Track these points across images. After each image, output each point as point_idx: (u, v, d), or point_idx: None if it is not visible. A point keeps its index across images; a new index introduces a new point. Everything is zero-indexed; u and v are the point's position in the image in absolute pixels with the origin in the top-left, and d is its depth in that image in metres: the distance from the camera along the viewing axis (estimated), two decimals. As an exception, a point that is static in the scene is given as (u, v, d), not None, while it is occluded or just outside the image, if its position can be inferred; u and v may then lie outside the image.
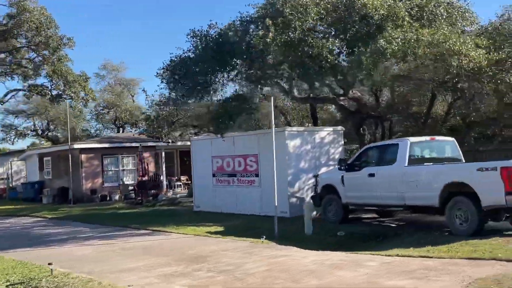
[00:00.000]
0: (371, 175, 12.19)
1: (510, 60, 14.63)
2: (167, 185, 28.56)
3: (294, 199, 15.11)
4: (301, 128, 16.25)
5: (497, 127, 18.44)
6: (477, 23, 14.85)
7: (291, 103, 23.41)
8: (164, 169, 28.11)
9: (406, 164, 11.44)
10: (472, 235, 9.78)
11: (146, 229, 13.54)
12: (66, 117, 35.20)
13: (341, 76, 15.04)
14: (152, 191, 23.02)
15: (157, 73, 15.71)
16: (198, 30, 15.47)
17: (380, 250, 9.50)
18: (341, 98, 18.01)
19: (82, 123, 38.16)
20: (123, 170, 26.85)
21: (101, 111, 38.62)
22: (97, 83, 40.59)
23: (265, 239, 11.16)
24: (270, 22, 13.42)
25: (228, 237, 11.45)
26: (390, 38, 12.54)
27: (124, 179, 26.75)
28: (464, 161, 12.14)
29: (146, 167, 23.25)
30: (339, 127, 16.58)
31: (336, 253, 8.91)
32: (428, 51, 12.96)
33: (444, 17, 13.80)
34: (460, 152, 12.21)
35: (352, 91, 18.24)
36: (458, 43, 12.56)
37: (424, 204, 10.96)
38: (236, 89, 16.07)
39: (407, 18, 13.37)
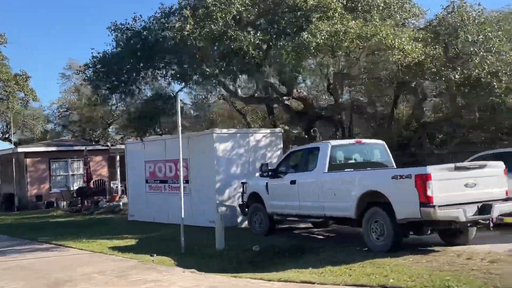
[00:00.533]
0: (293, 182, 10.98)
1: (464, 55, 13.49)
2: (122, 190, 27.15)
3: (223, 208, 13.86)
4: (233, 130, 14.98)
5: (452, 128, 17.24)
6: (420, 16, 13.67)
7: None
8: (119, 173, 26.74)
9: (326, 170, 10.22)
10: (389, 251, 8.63)
11: (51, 243, 12.23)
12: (25, 119, 33.90)
13: (276, 73, 13.88)
14: (96, 197, 21.74)
15: (78, 70, 14.45)
16: (121, 23, 14.23)
17: (288, 268, 8.34)
18: (285, 98, 16.84)
19: (44, 125, 36.59)
20: (73, 175, 25.44)
21: (64, 112, 37.11)
22: (63, 83, 39.01)
23: (166, 255, 10.01)
24: (188, 13, 12.20)
25: (125, 254, 10.22)
26: (316, 30, 11.33)
27: (75, 184, 25.33)
28: (395, 165, 10.94)
29: (90, 171, 21.92)
30: (278, 129, 15.33)
31: (216, 277, 7.65)
32: (361, 45, 11.80)
33: (381, 8, 12.62)
34: (390, 157, 10.99)
35: (297, 90, 17.08)
36: (391, 36, 11.38)
37: (342, 215, 9.75)
38: (158, 88, 14.76)
39: (339, 9, 12.19)
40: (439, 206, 7.92)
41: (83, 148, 24.39)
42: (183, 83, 13.95)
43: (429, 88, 17.31)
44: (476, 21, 13.15)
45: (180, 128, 10.60)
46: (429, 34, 12.82)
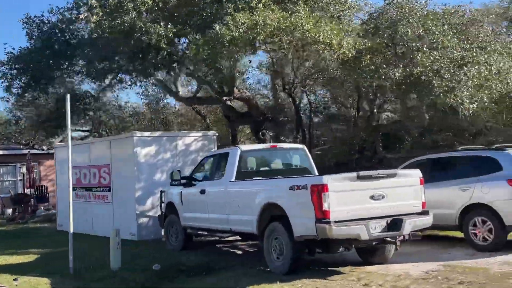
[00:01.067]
0: (203, 192, 9.79)
1: (407, 51, 12.34)
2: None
3: (145, 219, 12.63)
4: (157, 133, 13.74)
5: (403, 131, 16.11)
6: (356, 8, 12.52)
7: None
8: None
9: (233, 179, 9.04)
10: (289, 273, 7.47)
11: None
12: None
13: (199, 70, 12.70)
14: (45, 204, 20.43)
15: (-9, 68, 13.21)
16: (35, 16, 13.00)
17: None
18: (225, 98, 15.65)
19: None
20: (22, 180, 24.04)
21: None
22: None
23: (50, 276, 8.91)
24: (95, 2, 10.99)
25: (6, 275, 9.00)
26: (232, 22, 10.16)
27: (25, 190, 23.92)
28: (316, 172, 9.75)
29: (34, 177, 20.60)
30: (211, 132, 14.11)
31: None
32: (285, 39, 10.63)
33: (310, -1, 11.46)
34: (312, 162, 9.80)
35: (239, 90, 15.92)
36: (314, 29, 10.21)
37: (245, 230, 8.57)
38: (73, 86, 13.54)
39: (263, 0, 11.03)
40: (336, 222, 6.76)
41: (33, 152, 23.02)
42: (97, 81, 12.71)
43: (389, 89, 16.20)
44: (419, 13, 12.03)
45: (70, 133, 9.39)
46: (366, 27, 11.69)
